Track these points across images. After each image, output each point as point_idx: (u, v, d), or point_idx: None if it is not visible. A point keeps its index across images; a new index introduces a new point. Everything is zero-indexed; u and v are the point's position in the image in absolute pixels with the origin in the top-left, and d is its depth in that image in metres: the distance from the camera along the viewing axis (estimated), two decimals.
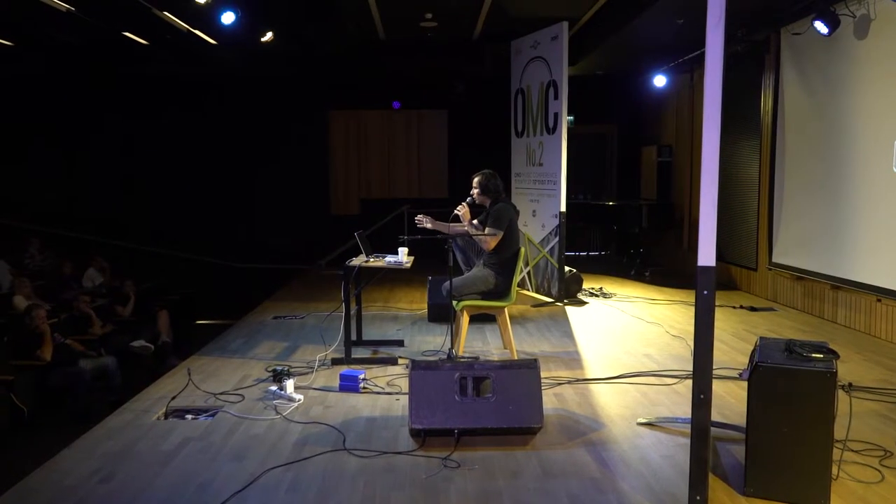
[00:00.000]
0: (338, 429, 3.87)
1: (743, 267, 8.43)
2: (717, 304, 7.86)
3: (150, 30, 8.64)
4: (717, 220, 8.11)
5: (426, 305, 6.93)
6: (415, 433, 3.71)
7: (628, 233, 10.08)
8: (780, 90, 7.35)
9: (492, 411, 3.67)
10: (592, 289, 8.36)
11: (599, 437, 3.78)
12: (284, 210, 11.49)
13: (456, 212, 5.30)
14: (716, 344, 5.70)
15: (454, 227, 5.39)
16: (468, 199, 5.40)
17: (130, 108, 11.28)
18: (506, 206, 5.34)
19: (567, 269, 7.84)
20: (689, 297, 7.97)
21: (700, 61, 9.14)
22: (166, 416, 4.20)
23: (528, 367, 3.78)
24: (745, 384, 4.48)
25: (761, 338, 3.40)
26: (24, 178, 11.28)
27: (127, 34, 8.76)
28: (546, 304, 7.67)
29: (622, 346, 5.82)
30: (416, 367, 3.77)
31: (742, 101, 8.17)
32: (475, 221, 5.40)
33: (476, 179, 5.39)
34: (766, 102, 7.78)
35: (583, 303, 7.74)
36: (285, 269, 10.31)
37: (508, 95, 8.83)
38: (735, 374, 4.76)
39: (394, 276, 8.55)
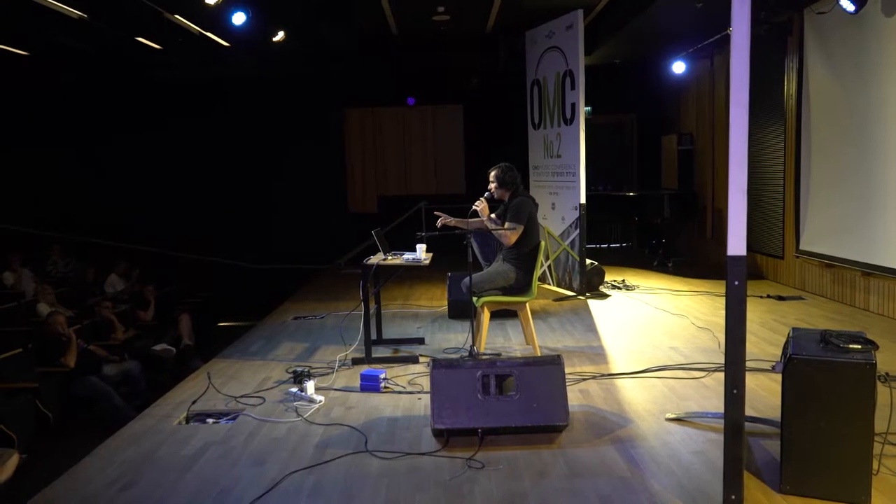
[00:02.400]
0: (359, 430, 3.81)
1: (769, 255, 8.24)
2: None
3: (162, 34, 8.65)
4: None
5: (446, 302, 6.86)
6: (437, 433, 3.64)
7: (650, 223, 9.91)
8: (804, 73, 7.15)
9: (516, 410, 3.58)
10: (615, 281, 8.23)
11: (627, 433, 3.67)
12: (303, 209, 11.48)
13: (474, 207, 5.21)
14: None
15: (473, 223, 5.31)
16: (486, 194, 5.30)
17: (147, 113, 11.33)
18: (525, 199, 5.24)
19: (588, 261, 7.72)
20: (714, 287, 7.80)
21: (720, 46, 8.95)
22: (187, 420, 4.17)
23: (552, 364, 3.68)
24: (777, 377, 4.34)
25: (794, 328, 3.28)
26: (44, 186, 11.40)
27: (140, 39, 8.78)
28: (568, 297, 7.56)
29: (647, 339, 5.70)
30: (437, 365, 3.69)
31: (764, 86, 7.97)
32: (493, 216, 5.31)
33: (493, 173, 5.29)
34: (789, 86, 7.58)
35: (605, 296, 7.61)
36: (305, 269, 10.29)
37: (524, 88, 8.71)
38: (766, 366, 4.62)
39: (413, 274, 8.49)
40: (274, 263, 11.03)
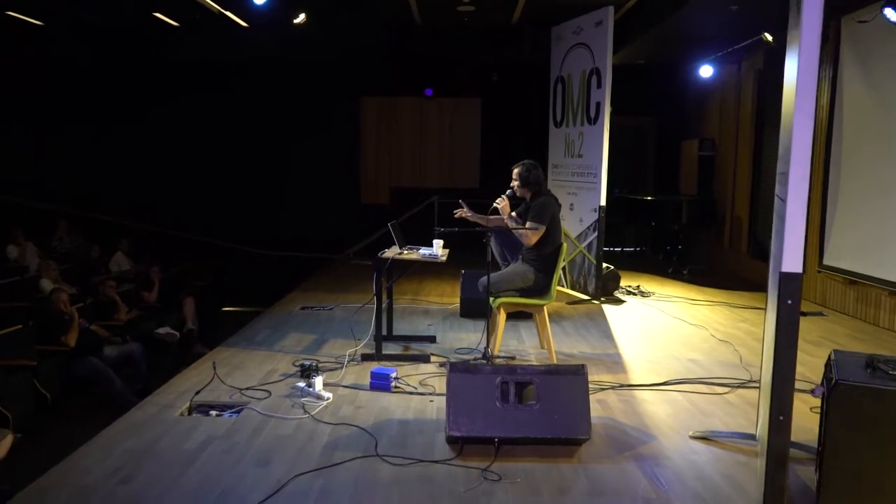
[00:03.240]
0: (369, 432, 3.65)
1: None
2: (760, 306, 7.38)
3: (180, 11, 8.48)
4: (761, 219, 7.80)
5: (458, 299, 6.68)
6: (452, 440, 3.47)
7: (667, 229, 9.71)
8: (838, 83, 6.93)
9: (535, 420, 3.41)
10: (629, 287, 8.03)
11: (650, 450, 3.50)
12: (314, 197, 11.32)
13: (495, 205, 5.04)
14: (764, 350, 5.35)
15: (493, 220, 5.14)
16: (508, 192, 5.13)
17: (161, 92, 11.16)
18: (548, 199, 5.06)
19: (604, 265, 7.53)
20: (732, 298, 7.62)
21: (749, 51, 8.74)
22: (190, 411, 4.02)
23: (575, 374, 3.51)
24: (808, 398, 4.17)
25: (835, 351, 3.10)
26: (52, 160, 11.25)
27: (157, 15, 8.61)
28: (582, 301, 7.38)
29: (665, 349, 5.52)
30: (454, 369, 3.52)
31: None
32: (514, 214, 5.13)
33: (516, 171, 5.11)
34: (821, 97, 7.35)
35: (620, 301, 7.43)
36: (314, 257, 10.14)
37: (546, 84, 8.51)
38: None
39: (423, 269, 8.31)
40: (282, 250, 10.87)
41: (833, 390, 2.70)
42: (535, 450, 3.42)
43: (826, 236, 7.10)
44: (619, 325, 6.37)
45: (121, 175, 11.31)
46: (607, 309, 7.06)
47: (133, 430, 3.68)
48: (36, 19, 8.87)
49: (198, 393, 4.18)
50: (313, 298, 7.34)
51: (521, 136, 9.87)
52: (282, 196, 11.37)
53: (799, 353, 5.34)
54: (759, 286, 8.32)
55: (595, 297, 7.36)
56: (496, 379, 3.46)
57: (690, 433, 3.70)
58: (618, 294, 7.67)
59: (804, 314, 6.88)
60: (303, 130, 11.29)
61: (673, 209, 9.38)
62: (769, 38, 7.57)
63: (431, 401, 4.14)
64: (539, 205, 4.99)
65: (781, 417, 2.38)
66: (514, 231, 5.01)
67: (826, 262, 7.10)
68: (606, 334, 6.00)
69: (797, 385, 4.36)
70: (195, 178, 11.24)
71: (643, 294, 7.81)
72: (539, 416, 3.41)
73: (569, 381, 3.48)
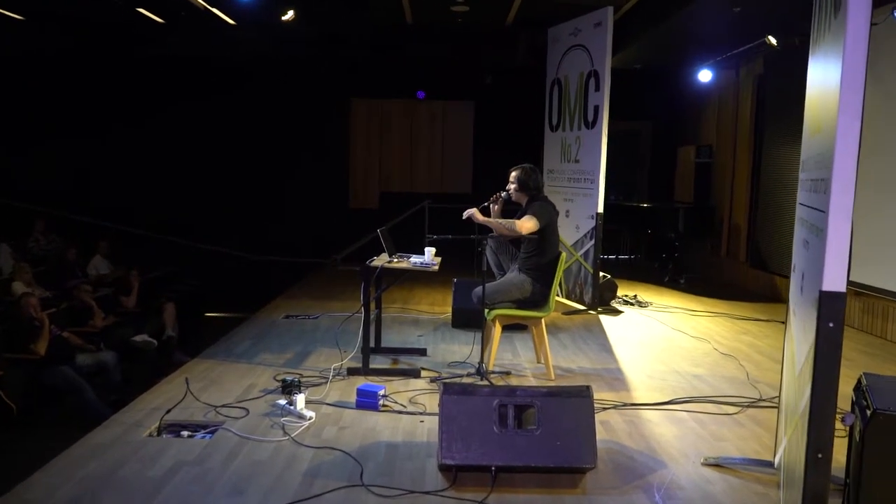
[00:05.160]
0: (354, 457, 3.34)
1: (789, 278, 7.80)
2: (762, 318, 7.09)
3: (165, 7, 8.17)
4: (760, 227, 7.46)
5: (450, 309, 6.39)
6: (445, 468, 3.18)
7: (663, 237, 9.47)
8: None
9: (536, 447, 3.12)
10: (626, 296, 7.78)
11: (660, 479, 3.22)
12: (302, 201, 11.00)
13: (486, 204, 4.76)
14: (770, 365, 5.12)
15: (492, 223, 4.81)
16: (503, 194, 4.85)
17: (144, 90, 10.82)
18: (545, 204, 4.79)
19: (601, 274, 7.27)
20: (733, 308, 7.39)
21: (748, 56, 8.55)
22: (159, 431, 3.69)
23: (579, 396, 3.22)
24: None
25: (866, 374, 2.83)
26: (33, 158, 10.87)
27: (141, 10, 8.29)
28: (578, 311, 7.11)
29: (668, 364, 5.25)
30: (448, 391, 3.23)
31: (793, 101, 7.51)
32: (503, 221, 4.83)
33: (514, 174, 4.83)
34: None
35: (618, 312, 7.17)
36: (299, 262, 9.81)
37: (541, 86, 8.26)
38: None
39: (413, 276, 7.96)
40: (268, 254, 10.55)
41: (870, 421, 2.43)
42: (535, 479, 3.14)
43: None
44: (618, 337, 6.10)
45: (102, 175, 10.95)
46: (604, 320, 6.79)
47: (95, 454, 3.35)
48: (16, 13, 8.52)
49: (169, 411, 3.86)
50: (298, 306, 7.03)
51: (515, 140, 9.63)
52: (268, 199, 11.03)
53: None
54: (758, 296, 8.10)
55: (592, 306, 7.10)
56: (494, 401, 3.17)
57: (702, 460, 3.42)
58: (615, 304, 7.41)
59: None
60: (290, 133, 10.97)
61: (670, 216, 9.14)
62: (773, 41, 7.35)
63: (422, 421, 3.84)
64: (536, 206, 4.71)
65: (820, 455, 2.11)
66: (507, 227, 4.66)
67: None
68: (605, 347, 5.72)
69: None
70: (179, 179, 10.90)
71: (641, 304, 7.55)
72: (540, 442, 3.12)
73: (573, 403, 3.19)
